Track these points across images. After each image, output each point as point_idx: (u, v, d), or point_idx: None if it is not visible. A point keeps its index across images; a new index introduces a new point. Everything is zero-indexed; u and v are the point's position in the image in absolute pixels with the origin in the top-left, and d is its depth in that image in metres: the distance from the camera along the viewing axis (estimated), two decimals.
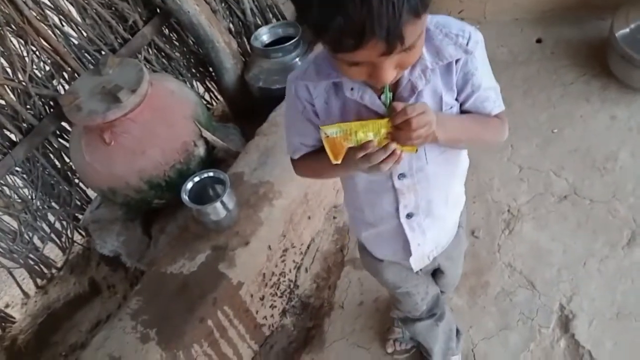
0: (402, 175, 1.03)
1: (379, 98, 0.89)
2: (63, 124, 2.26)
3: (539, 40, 2.70)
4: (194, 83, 2.83)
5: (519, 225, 2.06)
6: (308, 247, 2.12)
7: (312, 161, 1.07)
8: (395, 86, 0.90)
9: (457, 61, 0.91)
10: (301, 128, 1.02)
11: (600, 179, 2.11)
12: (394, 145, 0.83)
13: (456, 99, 0.97)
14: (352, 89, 0.89)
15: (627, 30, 2.27)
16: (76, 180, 2.41)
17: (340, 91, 0.92)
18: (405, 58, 0.77)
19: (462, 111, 1.01)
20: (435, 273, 1.43)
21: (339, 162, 0.87)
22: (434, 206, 1.12)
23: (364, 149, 0.83)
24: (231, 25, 2.78)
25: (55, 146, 2.28)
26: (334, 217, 2.26)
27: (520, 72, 2.56)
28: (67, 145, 2.25)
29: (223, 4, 2.71)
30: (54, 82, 2.24)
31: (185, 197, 1.74)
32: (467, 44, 0.90)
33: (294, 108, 1.01)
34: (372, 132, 0.84)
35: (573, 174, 2.15)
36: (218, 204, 1.70)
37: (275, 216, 1.89)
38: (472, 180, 2.20)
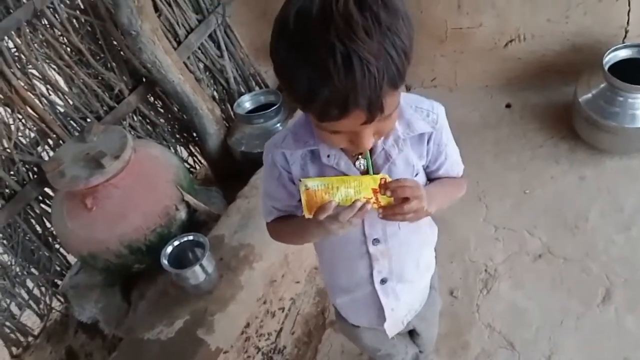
0: (376, 241, 1.07)
1: (354, 165, 0.95)
2: (46, 189, 2.28)
3: (508, 105, 2.84)
4: (178, 148, 2.90)
5: (497, 285, 2.09)
6: (289, 311, 2.11)
7: (282, 226, 1.12)
8: (370, 154, 0.95)
9: (430, 135, 1.00)
10: (274, 192, 1.07)
11: (573, 238, 2.16)
12: (359, 204, 0.87)
13: (425, 166, 1.05)
14: (328, 155, 0.95)
15: (590, 95, 2.41)
16: (57, 246, 2.40)
17: (316, 158, 0.97)
18: (383, 126, 0.84)
19: (434, 177, 1.09)
20: (412, 333, 1.45)
21: (311, 216, 0.90)
22: (405, 271, 1.16)
23: (329, 207, 0.86)
24: (215, 93, 2.88)
25: (37, 212, 2.28)
26: (315, 279, 2.27)
27: (491, 136, 2.68)
28: (49, 210, 2.26)
29: (207, 73, 2.82)
30: (39, 148, 2.28)
31: (164, 261, 1.75)
32: (437, 120, 0.99)
33: (269, 174, 1.05)
34: (353, 188, 0.88)
35: (546, 233, 2.21)
36: (197, 268, 1.71)
37: (255, 279, 1.89)
38: (449, 240, 2.24)
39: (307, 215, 0.91)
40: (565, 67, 2.73)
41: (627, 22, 2.52)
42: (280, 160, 1.01)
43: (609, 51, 2.35)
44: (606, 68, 2.30)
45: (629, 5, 2.46)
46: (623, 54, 2.39)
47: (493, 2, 2.64)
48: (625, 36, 2.56)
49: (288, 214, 1.12)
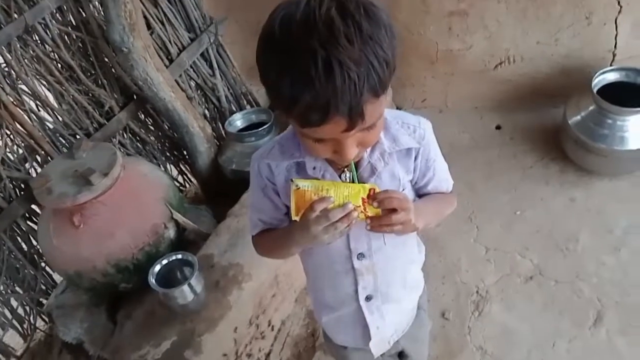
0: (361, 255, 1.07)
1: (340, 177, 0.95)
2: (33, 206, 2.25)
3: (498, 127, 2.86)
4: (168, 166, 2.88)
5: (488, 307, 2.07)
6: (278, 332, 2.08)
7: (267, 239, 1.11)
8: (355, 167, 0.95)
9: (417, 150, 1.00)
10: (260, 204, 1.08)
11: (563, 259, 2.16)
12: (351, 205, 0.87)
13: (412, 181, 1.05)
14: (314, 167, 0.95)
15: (579, 117, 2.43)
16: (42, 264, 2.36)
17: (302, 170, 0.98)
18: (366, 137, 0.85)
19: (423, 193, 1.09)
20: (401, 356, 1.43)
21: (298, 218, 0.90)
22: (391, 289, 1.15)
23: (325, 202, 0.87)
24: (206, 111, 2.87)
25: (24, 229, 2.25)
26: (305, 300, 2.24)
27: (482, 157, 2.69)
28: (36, 228, 2.23)
29: (199, 91, 2.82)
30: (27, 165, 2.25)
31: (152, 280, 1.73)
32: (424, 136, 1.00)
33: (255, 185, 1.06)
34: (342, 194, 0.88)
35: (537, 254, 2.20)
36: (185, 287, 1.68)
37: (244, 299, 1.87)
38: (440, 262, 2.23)
39: (295, 217, 0.90)
40: (555, 90, 2.76)
41: (615, 46, 2.57)
42: (266, 171, 1.02)
43: (597, 74, 2.39)
44: (595, 90, 2.33)
45: (617, 29, 2.51)
46: (611, 77, 2.42)
47: (483, 25, 2.67)
48: (613, 59, 2.60)
49: (274, 227, 1.11)
